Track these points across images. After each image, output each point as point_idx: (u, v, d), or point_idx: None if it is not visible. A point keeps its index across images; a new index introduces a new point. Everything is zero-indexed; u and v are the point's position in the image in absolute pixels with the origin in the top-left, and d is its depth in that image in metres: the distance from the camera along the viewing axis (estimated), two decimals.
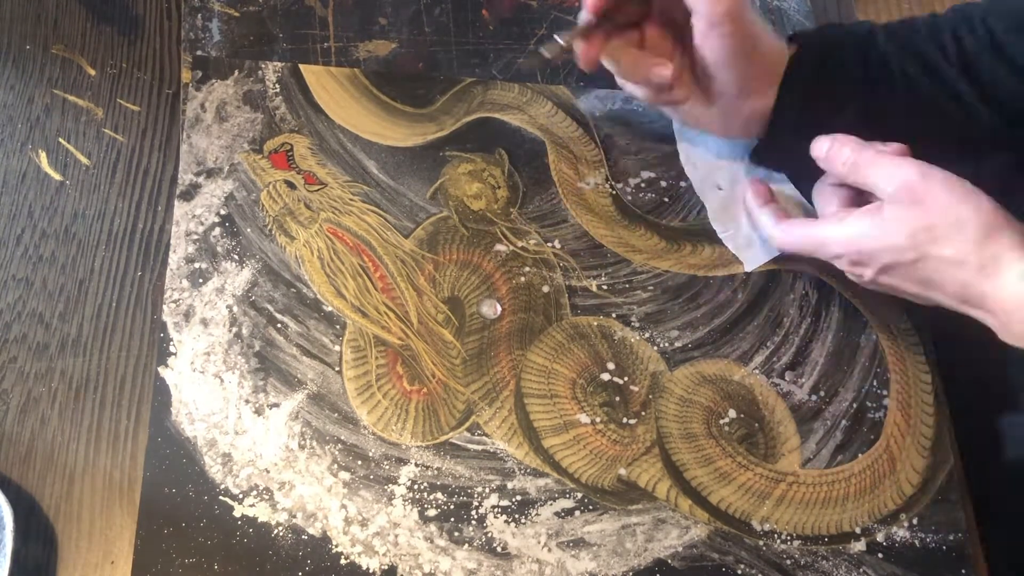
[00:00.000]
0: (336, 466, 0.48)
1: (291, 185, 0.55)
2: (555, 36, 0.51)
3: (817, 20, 0.67)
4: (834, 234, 0.50)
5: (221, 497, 0.46)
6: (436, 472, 0.49)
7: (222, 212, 0.53)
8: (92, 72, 0.56)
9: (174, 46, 0.57)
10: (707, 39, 0.51)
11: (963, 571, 0.51)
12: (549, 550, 0.48)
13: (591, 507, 0.49)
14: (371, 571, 0.46)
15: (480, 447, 0.50)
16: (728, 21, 0.50)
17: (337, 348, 0.51)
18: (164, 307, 0.50)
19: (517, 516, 0.48)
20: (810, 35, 0.56)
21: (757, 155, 0.58)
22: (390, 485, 0.48)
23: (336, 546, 0.46)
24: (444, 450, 0.49)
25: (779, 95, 0.53)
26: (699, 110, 0.55)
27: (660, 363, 0.54)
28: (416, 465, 0.49)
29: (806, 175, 0.55)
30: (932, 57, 0.53)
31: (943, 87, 0.53)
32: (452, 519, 0.48)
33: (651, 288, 0.56)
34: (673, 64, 0.52)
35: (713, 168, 0.59)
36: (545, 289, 0.55)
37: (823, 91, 0.53)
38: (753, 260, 0.57)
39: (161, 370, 0.49)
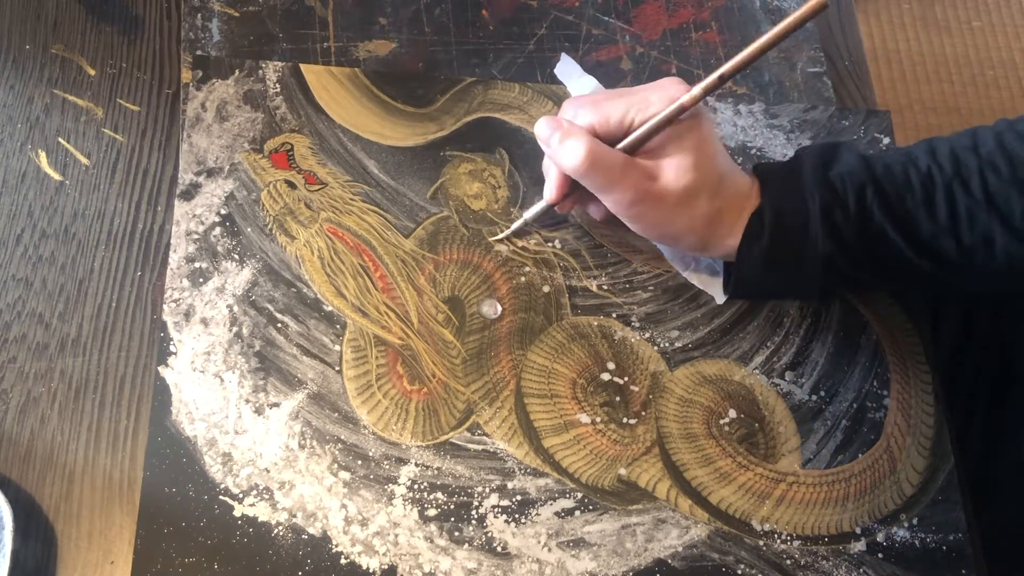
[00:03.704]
0: (336, 466, 0.48)
1: (291, 185, 0.55)
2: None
3: (817, 20, 0.67)
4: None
5: (221, 497, 0.46)
6: (436, 472, 0.49)
7: (222, 212, 0.53)
8: (92, 72, 0.56)
9: (174, 46, 0.57)
10: (626, 223, 0.52)
11: (963, 571, 0.51)
12: (549, 550, 0.48)
13: (591, 507, 0.49)
14: (371, 571, 0.46)
15: (480, 447, 0.50)
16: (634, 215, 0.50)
17: (337, 348, 0.51)
18: (164, 307, 0.50)
19: (517, 516, 0.48)
20: (771, 187, 0.51)
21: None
22: (390, 485, 0.48)
23: (336, 546, 0.46)
24: (444, 450, 0.49)
25: (738, 254, 0.51)
26: None
27: (660, 363, 0.54)
28: (416, 465, 0.49)
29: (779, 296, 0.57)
30: (918, 221, 0.49)
31: (922, 249, 0.49)
32: (452, 519, 0.48)
33: (651, 288, 0.56)
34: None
35: None
36: (545, 289, 0.55)
37: (783, 255, 0.50)
38: (721, 292, 0.56)
39: (161, 370, 0.49)
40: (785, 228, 0.49)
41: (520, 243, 0.56)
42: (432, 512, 0.48)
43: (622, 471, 0.50)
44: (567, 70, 0.61)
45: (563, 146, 0.48)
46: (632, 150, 0.50)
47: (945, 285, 0.52)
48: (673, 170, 0.48)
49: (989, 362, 0.60)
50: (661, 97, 0.48)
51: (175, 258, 0.51)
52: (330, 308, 0.52)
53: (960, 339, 0.62)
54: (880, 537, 0.51)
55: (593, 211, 0.55)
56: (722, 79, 0.47)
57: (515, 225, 0.55)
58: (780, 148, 0.61)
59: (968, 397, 0.59)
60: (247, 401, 0.49)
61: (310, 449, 0.48)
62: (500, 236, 0.55)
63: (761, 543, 0.50)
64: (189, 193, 0.53)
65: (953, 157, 0.49)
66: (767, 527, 0.50)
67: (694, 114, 0.49)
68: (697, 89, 0.47)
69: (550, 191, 0.52)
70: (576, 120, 0.50)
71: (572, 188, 0.52)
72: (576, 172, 0.49)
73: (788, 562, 0.50)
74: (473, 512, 0.48)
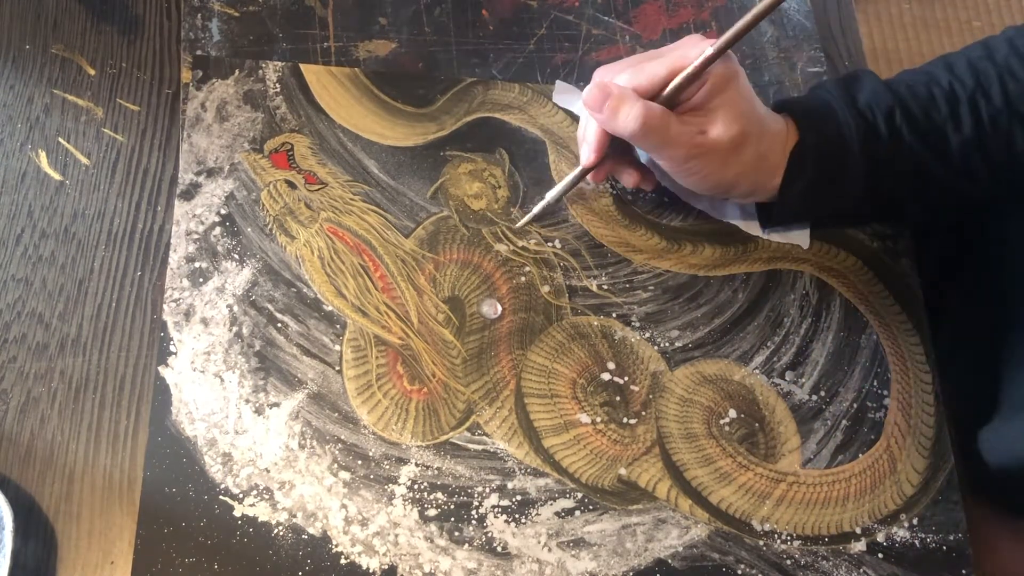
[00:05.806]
0: (336, 466, 0.48)
1: (291, 185, 0.55)
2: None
3: (817, 20, 0.67)
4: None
5: (221, 497, 0.46)
6: (436, 472, 0.49)
7: (222, 211, 0.53)
8: (92, 72, 0.56)
9: (174, 46, 0.57)
10: (680, 179, 0.54)
11: (963, 571, 0.51)
12: (549, 550, 0.48)
13: (591, 507, 0.49)
14: (371, 571, 0.46)
15: (480, 447, 0.50)
16: (695, 161, 0.51)
17: (337, 348, 0.51)
18: (164, 306, 0.50)
19: (517, 516, 0.48)
20: (808, 123, 0.53)
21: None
22: (390, 485, 0.48)
23: (336, 546, 0.46)
24: (444, 450, 0.49)
25: (780, 192, 0.53)
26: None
27: (660, 363, 0.54)
28: (416, 465, 0.49)
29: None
30: (946, 136, 0.51)
31: (949, 163, 0.52)
32: (452, 519, 0.48)
33: (652, 288, 0.56)
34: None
35: None
36: (545, 289, 0.55)
37: (825, 188, 0.53)
38: (759, 228, 0.58)
39: (161, 370, 0.49)
40: (827, 162, 0.52)
41: (520, 243, 0.56)
42: (432, 512, 0.48)
43: (622, 471, 0.50)
44: (566, 98, 0.60)
45: (619, 112, 0.49)
46: (670, 103, 0.51)
47: (971, 198, 0.56)
48: (722, 121, 0.50)
49: (988, 361, 0.60)
50: (694, 52, 0.50)
51: (175, 258, 0.51)
52: (330, 308, 0.52)
53: (960, 338, 0.62)
54: (880, 537, 0.51)
55: (626, 178, 0.56)
56: (746, 29, 0.48)
57: (541, 205, 0.56)
58: None
59: (968, 395, 0.59)
60: (247, 401, 0.49)
61: (310, 449, 0.48)
62: (524, 221, 0.56)
63: (761, 543, 0.50)
64: (189, 193, 0.53)
65: (972, 69, 0.52)
66: (767, 527, 0.50)
67: (728, 65, 0.50)
68: (722, 41, 0.48)
69: (588, 154, 0.53)
70: (618, 83, 0.51)
71: (608, 151, 0.53)
72: (634, 136, 0.50)
73: (788, 562, 0.50)
74: (473, 512, 0.48)
